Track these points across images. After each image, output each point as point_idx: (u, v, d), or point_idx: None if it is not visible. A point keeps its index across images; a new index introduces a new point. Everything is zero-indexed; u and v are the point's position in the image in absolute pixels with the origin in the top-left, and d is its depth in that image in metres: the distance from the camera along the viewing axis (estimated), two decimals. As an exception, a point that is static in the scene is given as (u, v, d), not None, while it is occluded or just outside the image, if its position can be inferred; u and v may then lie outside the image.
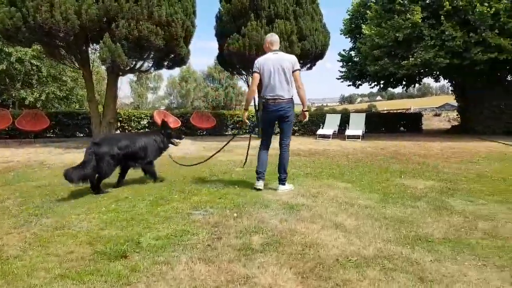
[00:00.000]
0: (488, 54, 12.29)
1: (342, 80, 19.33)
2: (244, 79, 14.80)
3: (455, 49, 12.64)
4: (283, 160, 4.70)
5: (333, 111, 19.41)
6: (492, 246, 2.79)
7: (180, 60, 12.00)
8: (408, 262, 2.49)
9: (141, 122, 15.12)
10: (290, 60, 4.59)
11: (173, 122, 14.32)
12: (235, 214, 3.60)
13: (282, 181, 4.73)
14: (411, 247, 2.77)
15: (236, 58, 12.31)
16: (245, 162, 6.04)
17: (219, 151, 6.11)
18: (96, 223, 3.41)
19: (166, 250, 2.74)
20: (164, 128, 5.53)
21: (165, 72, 69.63)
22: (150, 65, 12.42)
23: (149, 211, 3.78)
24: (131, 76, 46.57)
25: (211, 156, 6.05)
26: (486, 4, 11.97)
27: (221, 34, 13.16)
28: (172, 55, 11.69)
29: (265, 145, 4.86)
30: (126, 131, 14.85)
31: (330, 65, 43.18)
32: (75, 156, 8.21)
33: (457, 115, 19.55)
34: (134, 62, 11.60)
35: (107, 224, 3.37)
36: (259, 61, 4.65)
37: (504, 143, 10.75)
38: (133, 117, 15.03)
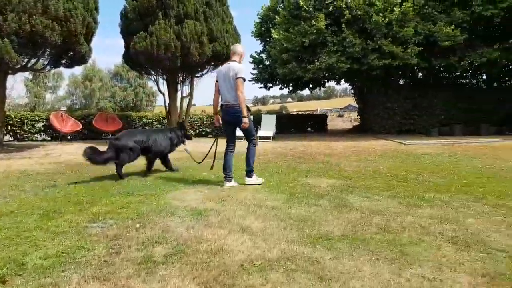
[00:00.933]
0: (383, 61, 13.60)
1: (253, 82, 19.78)
2: (153, 79, 14.23)
3: (355, 55, 13.76)
4: (247, 154, 5.26)
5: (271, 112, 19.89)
6: (384, 240, 3.00)
7: (80, 58, 11.11)
8: (310, 262, 2.56)
9: (36, 125, 13.63)
10: (234, 68, 4.98)
11: (72, 125, 13.19)
12: (137, 225, 3.36)
13: (247, 173, 5.28)
14: (313, 246, 2.86)
15: (143, 58, 11.78)
16: (212, 165, 5.86)
17: (208, 153, 6.09)
18: None
19: (55, 270, 2.44)
20: (181, 127, 6.80)
21: (66, 71, 64.24)
22: (46, 63, 11.32)
23: (38, 226, 3.36)
24: (26, 74, 41.91)
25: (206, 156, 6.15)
26: (381, 14, 13.23)
27: (127, 32, 12.49)
28: (72, 53, 10.77)
29: (229, 148, 5.30)
30: (18, 135, 13.30)
31: (243, 66, 43.80)
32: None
33: (357, 116, 21.33)
34: (26, 60, 10.45)
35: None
36: (217, 71, 5.34)
37: (396, 141, 12.03)
38: (26, 120, 13.47)
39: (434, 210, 3.86)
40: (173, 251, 2.75)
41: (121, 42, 13.13)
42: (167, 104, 14.04)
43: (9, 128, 13.02)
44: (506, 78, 17.81)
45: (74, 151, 9.93)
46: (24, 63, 10.47)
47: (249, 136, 5.24)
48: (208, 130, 16.61)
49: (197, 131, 16.52)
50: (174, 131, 6.59)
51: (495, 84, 17.95)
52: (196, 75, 14.11)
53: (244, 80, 4.98)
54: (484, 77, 18.12)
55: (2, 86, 10.64)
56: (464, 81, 18.83)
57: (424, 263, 2.54)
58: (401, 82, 18.22)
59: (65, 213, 3.79)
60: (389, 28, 13.45)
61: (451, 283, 2.27)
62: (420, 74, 18.34)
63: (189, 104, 14.45)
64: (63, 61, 11.34)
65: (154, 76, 14.10)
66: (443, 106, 15.93)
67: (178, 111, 14.05)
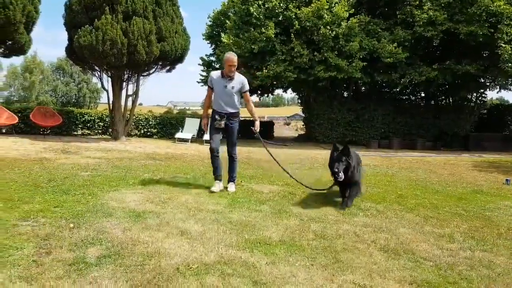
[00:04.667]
0: (329, 73, 14.16)
1: (202, 84, 19.64)
2: (97, 76, 13.64)
3: (302, 65, 14.21)
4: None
5: (194, 115, 19.53)
6: (320, 246, 3.12)
7: (19, 48, 10.44)
8: (246, 266, 2.61)
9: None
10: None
11: (8, 118, 12.31)
12: (71, 225, 3.25)
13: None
14: (250, 250, 2.93)
15: (88, 52, 11.26)
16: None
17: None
18: None
19: None
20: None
21: (4, 61, 59.46)
22: (-22, 50, 10.51)
23: None
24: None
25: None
26: (328, 27, 13.79)
27: (71, 24, 11.87)
28: (10, 42, 10.08)
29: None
30: None
31: (193, 68, 43.38)
32: None
33: (303, 125, 21.95)
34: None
35: None
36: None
37: None
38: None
39: (369, 219, 4.06)
40: (107, 253, 2.70)
41: (65, 35, 12.48)
42: (111, 102, 13.53)
43: None
44: (442, 97, 19.12)
45: (8, 145, 9.29)
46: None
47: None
48: (154, 130, 16.26)
49: (142, 131, 16.10)
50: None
51: (432, 102, 19.20)
52: (143, 74, 13.74)
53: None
54: (423, 94, 19.29)
55: None
56: (404, 97, 19.96)
57: (356, 270, 2.66)
58: (345, 94, 19.04)
59: None
60: (336, 41, 14.08)
61: (378, 288, 2.41)
62: (363, 88, 19.25)
63: (134, 103, 14.01)
64: (0, 50, 10.56)
65: (98, 72, 13.50)
66: (384, 120, 16.86)
67: (122, 110, 13.59)
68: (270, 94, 21.69)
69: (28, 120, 12.82)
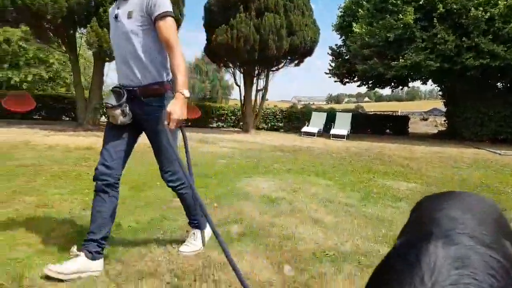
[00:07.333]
0: (480, 60, 12.25)
1: (330, 75, 19.38)
2: (231, 72, 14.67)
3: (447, 53, 12.62)
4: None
5: (320, 110, 19.45)
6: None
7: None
8: (385, 259, 2.47)
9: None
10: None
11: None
12: (215, 204, 3.57)
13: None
14: (390, 246, 2.76)
15: (223, 50, 12.19)
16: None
17: None
18: (78, 203, 3.45)
19: (145, 233, 2.76)
20: None
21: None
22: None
23: (131, 196, 3.80)
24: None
25: None
26: (481, 8, 11.90)
27: (209, 25, 13.03)
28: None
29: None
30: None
31: (320, 62, 43.30)
32: (60, 138, 8.43)
33: (444, 120, 19.61)
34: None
35: (88, 205, 3.29)
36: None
37: (489, 150, 10.71)
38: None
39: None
40: (247, 231, 2.87)
41: (201, 36, 13.75)
42: (242, 97, 14.40)
43: (105, 110, 14.35)
44: None
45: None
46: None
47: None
48: (280, 124, 16.74)
49: (269, 125, 16.74)
50: None
51: None
52: (272, 69, 14.25)
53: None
54: None
55: (101, 72, 11.78)
56: None
57: None
58: (499, 85, 16.36)
59: (152, 187, 4.19)
60: (490, 24, 12.09)
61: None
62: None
63: (263, 97, 14.66)
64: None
65: (232, 69, 14.53)
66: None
67: (252, 104, 14.35)
68: (405, 87, 20.11)
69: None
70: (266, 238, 2.75)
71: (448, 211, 0.79)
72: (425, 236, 0.68)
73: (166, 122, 1.99)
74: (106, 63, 12.41)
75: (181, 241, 2.56)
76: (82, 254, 2.06)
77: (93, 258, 2.08)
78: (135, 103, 2.17)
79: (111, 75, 26.67)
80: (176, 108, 1.98)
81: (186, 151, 2.16)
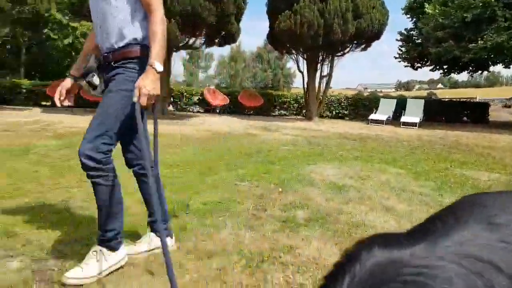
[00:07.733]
0: None
1: (400, 60, 18.34)
2: (294, 59, 14.45)
3: (533, 32, 11.39)
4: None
5: (388, 97, 18.48)
6: None
7: (230, 37, 11.98)
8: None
9: (192, 99, 15.54)
10: None
11: (222, 100, 14.49)
12: (279, 189, 3.54)
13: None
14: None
15: (286, 36, 12.01)
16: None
17: None
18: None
19: (213, 214, 2.80)
20: None
21: (216, 52, 70.83)
22: (202, 42, 12.52)
23: (198, 179, 3.91)
24: (183, 54, 47.68)
25: None
26: None
27: (272, 11, 12.86)
28: (223, 32, 11.67)
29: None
30: (178, 105, 15.29)
31: (387, 48, 41.20)
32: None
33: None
34: (187, 39, 11.74)
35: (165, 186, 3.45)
36: None
37: None
38: (184, 93, 15.44)
39: None
40: (314, 217, 2.79)
41: (262, 24, 13.71)
42: (305, 84, 14.15)
43: (172, 99, 15.04)
44: None
45: (221, 122, 11.02)
46: (185, 42, 11.81)
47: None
48: (345, 112, 16.22)
49: (334, 113, 16.29)
50: None
51: None
52: (337, 54, 13.77)
53: None
54: None
55: (168, 62, 12.23)
56: None
57: None
58: None
59: (218, 171, 4.28)
60: None
61: None
62: None
63: (327, 84, 14.26)
64: (216, 40, 12.39)
65: (295, 56, 14.30)
66: None
67: (316, 91, 14.04)
68: (484, 71, 18.38)
69: (235, 101, 14.75)
70: (334, 224, 2.65)
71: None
72: None
73: (135, 98, 1.68)
74: (173, 53, 12.89)
75: (247, 225, 2.56)
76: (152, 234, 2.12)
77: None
78: (108, 70, 1.88)
79: (177, 67, 27.67)
80: (146, 82, 1.68)
81: (155, 137, 1.90)
